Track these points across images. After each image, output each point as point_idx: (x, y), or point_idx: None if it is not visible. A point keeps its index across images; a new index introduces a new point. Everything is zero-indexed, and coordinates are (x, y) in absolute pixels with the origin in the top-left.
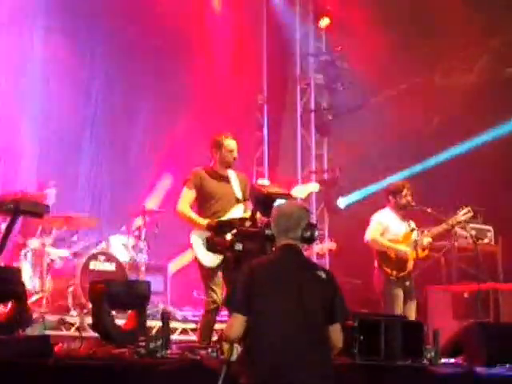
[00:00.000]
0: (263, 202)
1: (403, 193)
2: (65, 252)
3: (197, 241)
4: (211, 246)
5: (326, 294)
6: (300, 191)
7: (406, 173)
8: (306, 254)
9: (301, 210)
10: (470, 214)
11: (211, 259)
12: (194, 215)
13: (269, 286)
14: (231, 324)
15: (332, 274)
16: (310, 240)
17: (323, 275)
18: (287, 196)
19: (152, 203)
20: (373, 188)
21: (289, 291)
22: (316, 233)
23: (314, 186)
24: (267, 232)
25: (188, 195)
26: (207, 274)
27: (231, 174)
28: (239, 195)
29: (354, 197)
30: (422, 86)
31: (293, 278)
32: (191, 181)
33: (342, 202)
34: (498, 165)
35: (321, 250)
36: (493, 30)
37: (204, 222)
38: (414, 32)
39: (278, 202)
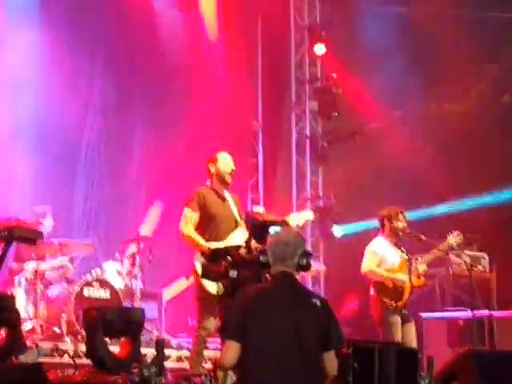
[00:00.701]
0: (259, 229)
1: (399, 218)
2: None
3: (199, 263)
4: (206, 273)
5: (321, 322)
6: (295, 219)
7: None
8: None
9: (297, 237)
10: (460, 238)
11: (214, 286)
12: (200, 238)
13: (264, 314)
14: (226, 351)
15: (326, 300)
16: (305, 268)
17: (318, 303)
18: (283, 223)
19: (146, 230)
20: (371, 223)
21: (284, 319)
22: (312, 262)
23: (308, 214)
24: (262, 259)
25: (192, 217)
26: (203, 299)
27: (227, 194)
28: (237, 216)
29: (353, 228)
30: (418, 113)
31: (288, 306)
32: (195, 201)
33: (338, 231)
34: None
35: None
36: (491, 56)
37: (205, 244)
38: (410, 58)
39: (273, 229)
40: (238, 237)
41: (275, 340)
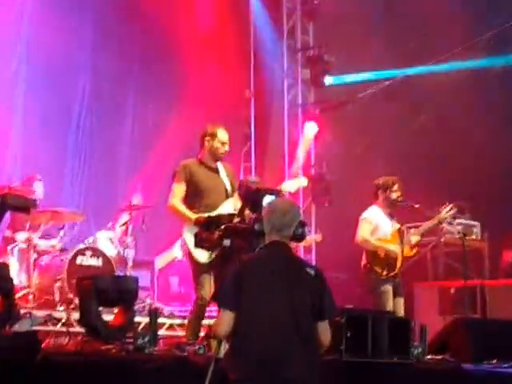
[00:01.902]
0: (252, 198)
1: (394, 188)
2: (54, 242)
3: (190, 236)
4: (199, 242)
5: (315, 291)
6: (289, 186)
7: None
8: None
9: (294, 207)
10: (454, 211)
11: (205, 255)
12: (186, 210)
13: (258, 283)
14: (219, 320)
15: (321, 270)
16: (300, 238)
17: (312, 272)
18: (276, 192)
19: (138, 198)
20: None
21: (278, 288)
22: (306, 231)
23: (302, 181)
24: (257, 228)
25: (178, 189)
26: (199, 269)
27: (220, 165)
28: (229, 188)
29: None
30: (409, 82)
31: (282, 276)
32: (180, 174)
33: None
34: (484, 155)
35: (306, 241)
36: None
37: (194, 216)
38: (405, 26)
39: (267, 198)
40: (229, 207)
41: (269, 309)
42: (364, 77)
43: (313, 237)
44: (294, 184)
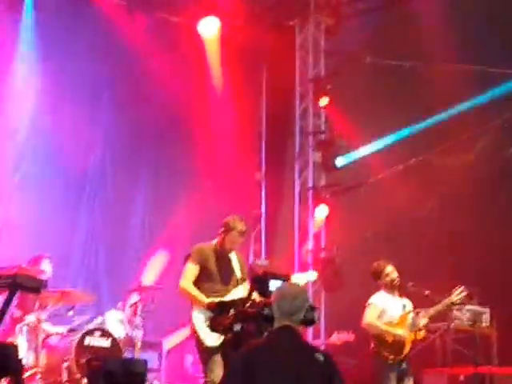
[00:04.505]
0: (259, 282)
1: (384, 272)
2: (61, 329)
3: (198, 318)
4: (215, 326)
5: (324, 377)
6: (298, 279)
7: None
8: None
9: (304, 292)
10: (464, 294)
11: (213, 338)
12: (197, 292)
13: (266, 371)
14: None
15: (330, 355)
16: (311, 322)
17: (321, 358)
18: (284, 277)
19: (148, 279)
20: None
21: (286, 376)
22: (316, 315)
23: (312, 275)
24: (266, 313)
25: (191, 271)
26: (207, 353)
27: (232, 254)
28: (239, 276)
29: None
30: (419, 167)
31: (291, 363)
32: (195, 257)
33: None
34: (492, 243)
35: (338, 340)
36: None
37: (207, 300)
38: (413, 109)
39: (273, 282)
40: (240, 293)
41: None
42: (373, 148)
43: (344, 336)
44: (303, 277)
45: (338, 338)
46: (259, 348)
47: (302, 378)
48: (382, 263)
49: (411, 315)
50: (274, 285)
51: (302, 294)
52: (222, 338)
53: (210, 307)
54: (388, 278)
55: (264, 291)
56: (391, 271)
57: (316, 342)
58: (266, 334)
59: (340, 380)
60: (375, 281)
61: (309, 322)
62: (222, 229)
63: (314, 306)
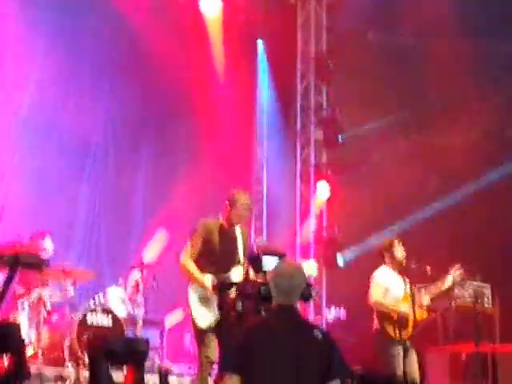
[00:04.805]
0: (254, 259)
1: (395, 247)
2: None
3: (193, 297)
4: (222, 305)
5: (323, 355)
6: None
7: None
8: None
9: (301, 270)
10: (461, 272)
11: (205, 320)
12: (196, 271)
13: (265, 349)
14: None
15: (328, 333)
16: (307, 299)
17: (320, 335)
18: (279, 255)
19: (149, 256)
20: (370, 242)
21: (285, 354)
22: (313, 292)
23: (312, 268)
24: (263, 292)
25: (194, 247)
26: (200, 333)
27: (237, 230)
28: (241, 255)
29: (351, 253)
30: (421, 145)
31: (289, 341)
32: (199, 233)
33: (340, 260)
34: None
35: (329, 316)
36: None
37: (206, 281)
38: (415, 87)
39: (266, 258)
40: (239, 273)
41: (276, 375)
42: (375, 125)
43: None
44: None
45: (329, 314)
46: (257, 327)
47: (302, 357)
48: (392, 238)
49: (414, 293)
50: (268, 261)
51: (299, 272)
52: (214, 319)
53: (214, 289)
54: (397, 254)
55: (258, 268)
56: (400, 248)
57: (317, 318)
58: (262, 312)
59: (340, 356)
60: (381, 255)
61: (306, 298)
62: (227, 202)
63: (310, 283)
